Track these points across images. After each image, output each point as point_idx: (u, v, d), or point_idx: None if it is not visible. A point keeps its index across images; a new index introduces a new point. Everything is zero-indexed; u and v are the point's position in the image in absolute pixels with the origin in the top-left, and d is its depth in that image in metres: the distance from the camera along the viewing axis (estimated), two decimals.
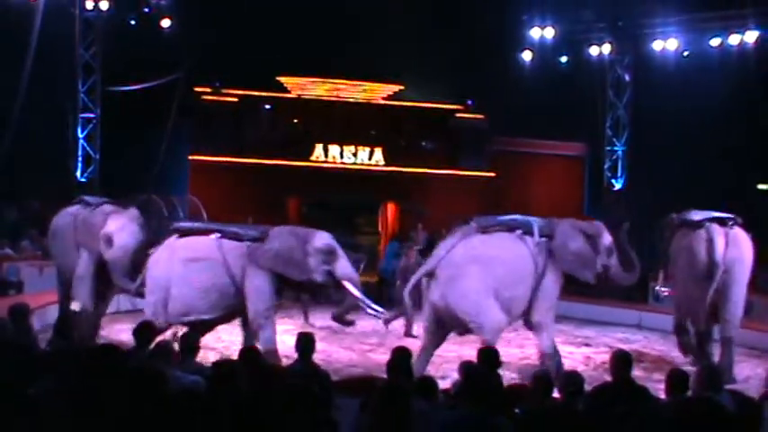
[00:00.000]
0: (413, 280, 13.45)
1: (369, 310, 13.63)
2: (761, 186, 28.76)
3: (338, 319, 13.80)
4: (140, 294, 13.94)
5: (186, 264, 13.07)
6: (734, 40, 23.33)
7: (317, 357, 8.17)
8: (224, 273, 12.98)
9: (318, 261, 13.09)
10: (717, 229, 14.86)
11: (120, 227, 14.35)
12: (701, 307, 14.58)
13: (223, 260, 13.00)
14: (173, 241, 13.62)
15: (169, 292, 13.03)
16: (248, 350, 7.40)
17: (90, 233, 14.27)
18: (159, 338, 8.27)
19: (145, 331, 8.10)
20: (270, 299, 13.05)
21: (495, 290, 12.66)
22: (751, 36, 22.95)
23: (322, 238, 13.28)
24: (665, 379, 7.00)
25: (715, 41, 23.74)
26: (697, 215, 15.69)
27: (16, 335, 7.98)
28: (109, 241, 14.06)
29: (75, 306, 13.41)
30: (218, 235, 13.33)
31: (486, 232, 13.27)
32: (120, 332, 15.28)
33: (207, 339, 14.83)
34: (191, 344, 8.39)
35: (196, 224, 15.07)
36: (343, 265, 13.28)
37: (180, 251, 13.30)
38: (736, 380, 13.96)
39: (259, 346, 11.84)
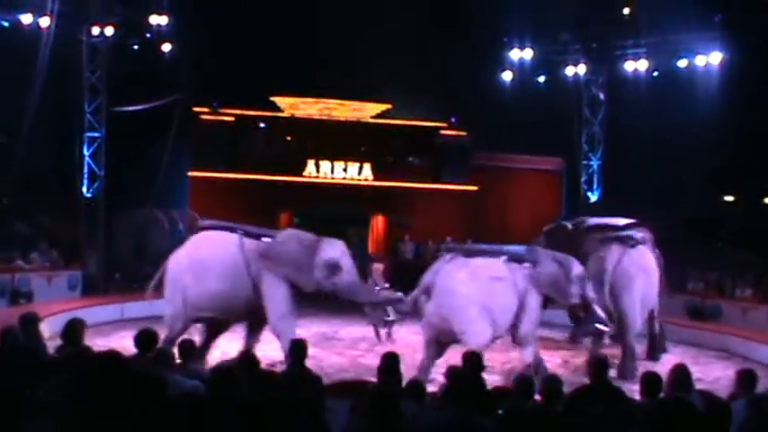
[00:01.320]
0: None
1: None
2: (727, 198, 28.90)
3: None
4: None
5: None
6: (700, 61, 23.46)
7: (309, 362, 8.14)
8: None
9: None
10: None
11: (341, 252, 13.82)
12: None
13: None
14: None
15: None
16: (246, 354, 7.35)
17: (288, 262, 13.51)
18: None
19: (146, 338, 8.06)
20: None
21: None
22: (716, 57, 23.10)
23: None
24: (640, 381, 6.99)
25: (683, 62, 23.87)
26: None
27: (26, 342, 7.93)
28: (335, 267, 13.57)
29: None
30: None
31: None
32: (123, 339, 15.22)
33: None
34: (189, 350, 8.37)
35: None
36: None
37: None
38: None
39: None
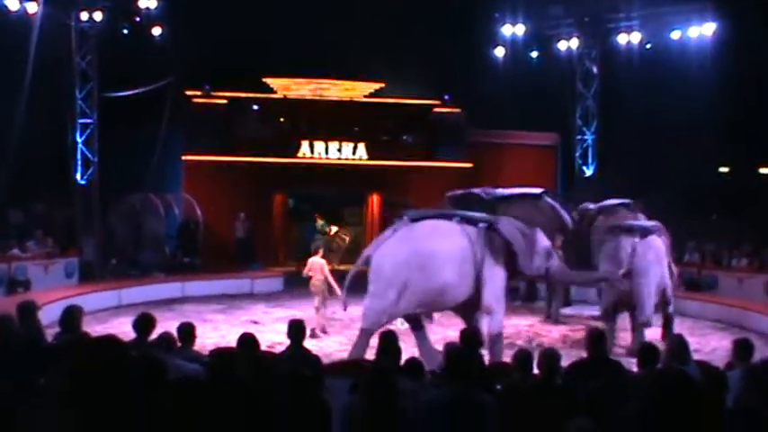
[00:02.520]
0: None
1: None
2: (722, 169, 28.96)
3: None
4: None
5: None
6: (693, 32, 23.45)
7: (308, 343, 8.19)
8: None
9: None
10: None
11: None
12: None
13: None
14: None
15: None
16: (246, 337, 7.38)
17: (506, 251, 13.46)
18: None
19: (144, 322, 8.10)
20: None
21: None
22: (709, 28, 23.09)
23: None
24: (637, 352, 7.05)
25: (675, 34, 23.85)
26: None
27: (25, 330, 7.97)
28: (549, 254, 13.97)
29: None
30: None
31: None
32: (121, 325, 15.27)
33: (203, 329, 14.88)
34: (188, 333, 8.40)
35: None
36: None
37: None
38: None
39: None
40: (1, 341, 7.47)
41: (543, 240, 13.92)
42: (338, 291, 15.19)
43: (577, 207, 18.65)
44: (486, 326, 13.10)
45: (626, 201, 17.49)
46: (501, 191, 17.22)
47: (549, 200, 17.84)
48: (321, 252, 17.59)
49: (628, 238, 15.26)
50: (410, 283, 12.84)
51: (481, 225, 13.49)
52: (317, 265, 17.03)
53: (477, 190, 16.48)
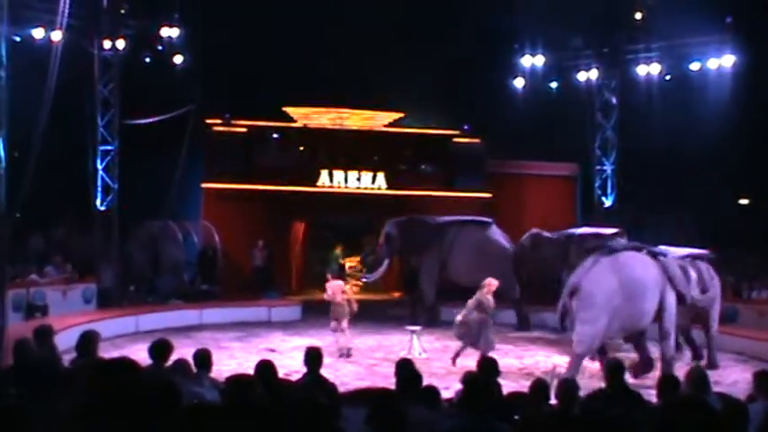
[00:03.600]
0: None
1: None
2: (742, 201, 28.79)
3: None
4: None
5: None
6: (712, 64, 23.36)
7: (325, 371, 8.13)
8: None
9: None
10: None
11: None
12: None
13: None
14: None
15: None
16: (263, 365, 7.32)
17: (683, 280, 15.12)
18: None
19: (161, 349, 8.07)
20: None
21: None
22: (728, 60, 23.00)
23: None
24: (657, 383, 6.97)
25: (695, 65, 23.78)
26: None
27: (41, 354, 7.96)
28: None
29: None
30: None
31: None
32: (138, 351, 15.23)
33: (220, 356, 14.85)
34: (205, 360, 8.37)
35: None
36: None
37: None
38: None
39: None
40: (18, 364, 7.48)
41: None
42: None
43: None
44: (665, 349, 14.78)
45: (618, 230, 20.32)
46: (447, 218, 21.37)
47: (495, 228, 21.82)
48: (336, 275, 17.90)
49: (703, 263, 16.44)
50: (618, 309, 14.15)
51: (660, 257, 15.08)
52: (338, 288, 17.26)
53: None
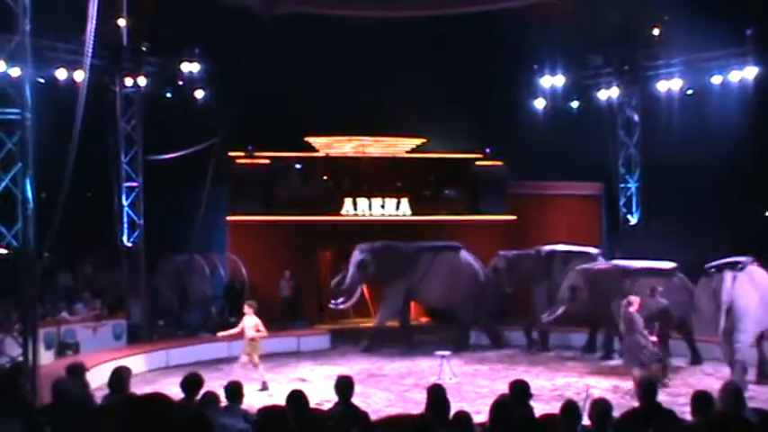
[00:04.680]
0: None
1: None
2: (767, 214, 28.57)
3: None
4: None
5: None
6: (734, 77, 23.26)
7: (356, 399, 8.14)
8: None
9: None
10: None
11: None
12: None
13: None
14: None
15: None
16: (295, 394, 7.33)
17: None
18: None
19: (192, 382, 8.11)
20: None
21: None
22: (750, 72, 22.90)
23: None
24: (690, 400, 6.92)
25: (716, 79, 23.69)
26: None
27: (75, 391, 8.01)
28: None
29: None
30: None
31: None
32: (169, 386, 15.29)
33: (251, 387, 14.88)
34: (236, 392, 8.40)
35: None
36: None
37: None
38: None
39: None
40: (55, 402, 7.54)
41: None
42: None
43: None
44: None
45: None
46: (419, 244, 23.07)
47: (465, 252, 23.22)
48: (252, 310, 17.45)
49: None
50: (760, 319, 16.33)
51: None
52: (253, 323, 17.25)
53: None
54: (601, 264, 21.45)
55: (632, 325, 15.69)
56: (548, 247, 23.04)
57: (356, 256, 22.70)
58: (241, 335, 17.24)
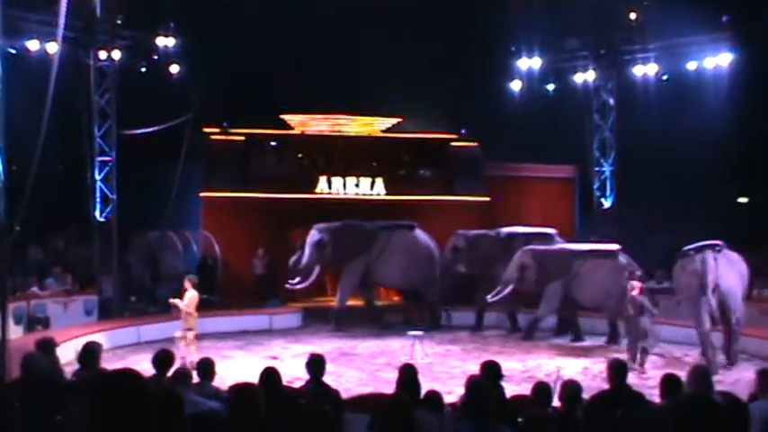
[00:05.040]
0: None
1: None
2: (741, 199, 28.80)
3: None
4: None
5: None
6: (709, 63, 23.39)
7: (327, 378, 8.15)
8: None
9: None
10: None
11: None
12: None
13: None
14: None
15: None
16: (268, 372, 7.30)
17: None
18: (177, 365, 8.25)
19: (163, 359, 8.09)
20: None
21: None
22: (725, 59, 23.04)
23: None
24: (659, 383, 6.98)
25: (692, 65, 23.81)
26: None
27: (44, 366, 7.96)
28: None
29: None
30: None
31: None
32: (140, 362, 15.26)
33: (222, 365, 14.85)
34: (208, 369, 8.39)
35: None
36: None
37: None
38: None
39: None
40: (25, 377, 7.49)
41: None
42: None
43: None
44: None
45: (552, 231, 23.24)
46: (376, 223, 23.09)
47: (420, 231, 23.47)
48: (191, 284, 16.93)
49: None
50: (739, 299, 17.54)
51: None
52: (195, 299, 16.73)
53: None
54: (548, 245, 21.88)
55: (641, 309, 16.45)
56: (507, 229, 23.35)
57: (313, 235, 22.69)
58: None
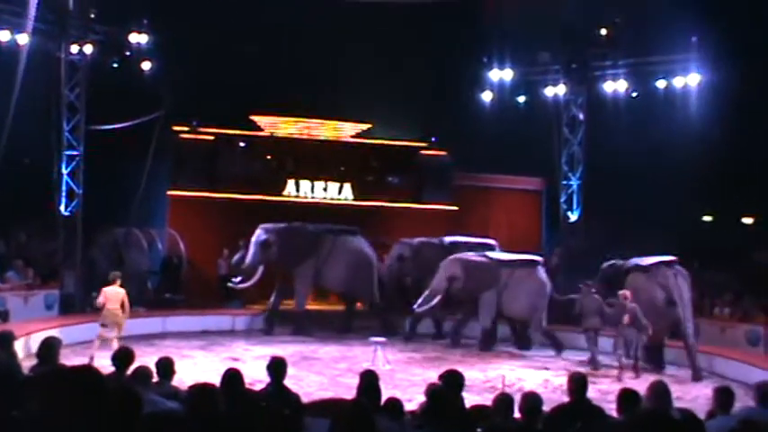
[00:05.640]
0: None
1: None
2: (705, 218, 29.06)
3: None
4: None
5: None
6: (678, 82, 23.62)
7: (288, 381, 8.10)
8: None
9: None
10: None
11: None
12: None
13: None
14: None
15: None
16: (230, 373, 7.25)
17: None
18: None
19: (123, 357, 8.02)
20: None
21: None
22: (693, 79, 23.27)
23: None
24: (617, 397, 7.01)
25: (661, 83, 24.01)
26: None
27: (1, 360, 7.86)
28: None
29: None
30: None
31: None
32: (100, 358, 15.08)
33: (183, 364, 14.76)
34: (167, 369, 8.32)
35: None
36: None
37: None
38: None
39: None
40: None
41: None
42: None
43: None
44: None
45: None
46: (320, 226, 23.16)
47: (361, 237, 23.61)
48: (119, 282, 16.82)
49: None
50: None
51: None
52: (115, 296, 16.49)
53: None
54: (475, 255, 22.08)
55: (638, 319, 17.36)
56: (450, 238, 23.51)
57: (259, 235, 22.50)
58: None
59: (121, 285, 16.59)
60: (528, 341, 21.06)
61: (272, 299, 22.83)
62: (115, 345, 15.39)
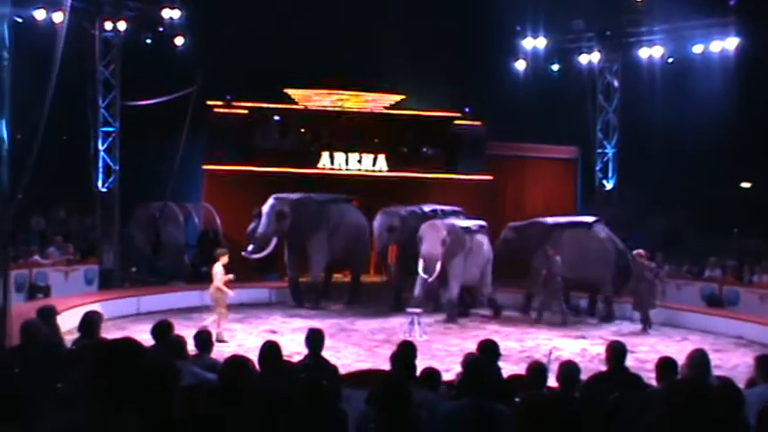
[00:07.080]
0: None
1: None
2: (743, 184, 28.75)
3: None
4: None
5: None
6: (715, 47, 23.26)
7: (326, 353, 8.15)
8: None
9: None
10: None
11: None
12: None
13: None
14: None
15: None
16: (268, 345, 7.30)
17: None
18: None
19: (162, 330, 8.10)
20: None
21: None
22: (731, 43, 22.90)
23: None
24: (655, 366, 6.98)
25: (698, 48, 23.67)
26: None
27: (44, 334, 7.97)
28: None
29: None
30: None
31: None
32: (139, 332, 15.27)
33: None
34: (206, 341, 8.40)
35: None
36: None
37: None
38: None
39: None
40: (25, 345, 7.50)
41: None
42: None
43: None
44: None
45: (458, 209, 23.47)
46: (326, 196, 23.25)
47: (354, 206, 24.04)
48: (223, 258, 17.07)
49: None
50: None
51: None
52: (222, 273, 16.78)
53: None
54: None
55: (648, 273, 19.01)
56: (427, 206, 23.13)
57: (273, 206, 22.10)
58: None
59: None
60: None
61: (289, 272, 22.84)
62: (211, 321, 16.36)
